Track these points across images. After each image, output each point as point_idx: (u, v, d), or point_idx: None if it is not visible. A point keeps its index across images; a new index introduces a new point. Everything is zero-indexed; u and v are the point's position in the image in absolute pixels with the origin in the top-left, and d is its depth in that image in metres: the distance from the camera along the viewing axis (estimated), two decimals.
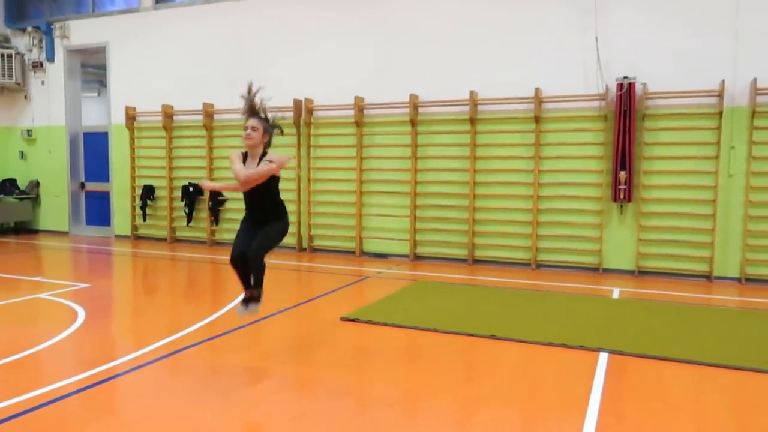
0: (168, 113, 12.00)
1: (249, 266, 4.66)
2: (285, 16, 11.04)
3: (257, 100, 4.76)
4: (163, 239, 12.28)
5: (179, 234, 12.27)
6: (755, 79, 8.11)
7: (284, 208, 4.91)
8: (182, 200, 11.89)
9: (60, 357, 5.03)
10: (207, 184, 5.06)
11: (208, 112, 11.58)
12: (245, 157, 4.68)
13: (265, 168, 4.50)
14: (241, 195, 4.86)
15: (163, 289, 8.21)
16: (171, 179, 12.14)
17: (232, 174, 4.67)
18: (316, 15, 10.79)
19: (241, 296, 4.90)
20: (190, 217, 11.88)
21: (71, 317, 6.11)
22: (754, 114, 8.18)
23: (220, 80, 11.55)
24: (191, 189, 11.79)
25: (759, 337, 5.72)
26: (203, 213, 11.88)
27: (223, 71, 11.55)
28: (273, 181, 4.66)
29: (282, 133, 4.97)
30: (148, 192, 12.31)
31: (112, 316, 6.57)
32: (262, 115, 4.76)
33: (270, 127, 4.75)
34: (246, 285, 4.79)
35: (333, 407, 4.04)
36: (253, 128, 4.57)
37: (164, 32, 12.17)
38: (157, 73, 12.23)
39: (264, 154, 4.69)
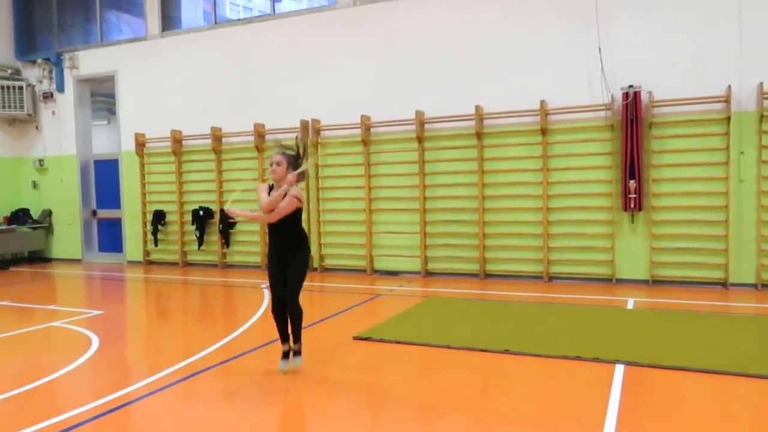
0: (177, 138, 12.12)
1: (289, 314, 4.92)
2: (290, 38, 11.16)
3: (301, 149, 5.05)
4: (175, 263, 12.33)
5: (191, 258, 12.32)
6: (761, 83, 8.08)
7: (305, 236, 5.12)
8: (193, 224, 11.96)
9: (75, 384, 5.04)
10: (233, 210, 5.05)
11: (217, 135, 11.68)
12: (271, 189, 4.87)
13: (286, 204, 4.74)
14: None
15: (175, 314, 8.23)
16: (181, 203, 12.22)
17: (258, 204, 4.88)
18: (320, 36, 10.90)
19: (282, 349, 5.07)
20: (201, 241, 11.94)
21: (86, 344, 6.13)
22: (762, 118, 8.14)
23: (228, 104, 11.68)
24: (201, 213, 11.86)
25: None
26: (214, 236, 11.93)
27: (230, 95, 11.68)
28: (296, 213, 4.86)
29: (304, 178, 5.11)
30: (159, 217, 12.39)
31: (126, 342, 6.59)
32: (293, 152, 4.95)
33: (296, 163, 4.88)
34: (284, 337, 5.00)
35: (349, 426, 4.01)
36: (278, 163, 4.77)
37: (171, 59, 12.34)
38: (166, 99, 12.38)
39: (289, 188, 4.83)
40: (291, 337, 4.99)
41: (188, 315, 8.12)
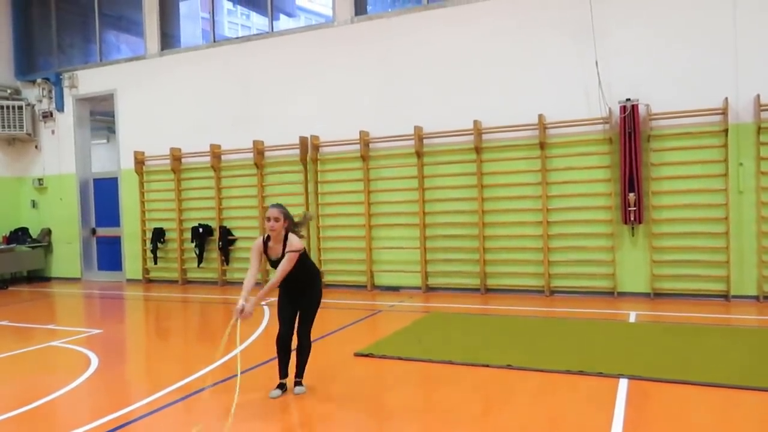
0: (176, 156, 12.13)
1: (299, 348, 4.94)
2: (288, 56, 11.22)
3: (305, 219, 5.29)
4: (175, 281, 12.29)
5: (190, 275, 12.28)
6: (758, 96, 8.11)
7: (316, 270, 5.17)
8: (192, 242, 11.93)
9: (74, 404, 4.99)
10: (249, 310, 4.75)
11: (216, 153, 11.70)
12: (266, 240, 4.84)
13: (286, 263, 4.77)
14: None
15: (175, 332, 8.18)
16: (181, 221, 12.21)
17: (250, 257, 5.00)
18: (319, 53, 10.95)
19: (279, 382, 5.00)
20: (200, 258, 11.91)
21: (85, 364, 6.08)
22: (759, 130, 8.16)
23: (227, 121, 11.71)
24: (201, 230, 11.84)
25: None
26: (214, 253, 11.90)
27: (229, 112, 11.71)
28: (302, 257, 4.85)
29: (301, 232, 5.07)
30: (159, 235, 12.37)
31: (125, 362, 6.54)
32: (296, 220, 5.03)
33: (291, 217, 4.89)
34: (283, 372, 4.95)
35: None
36: (276, 219, 4.73)
37: (170, 77, 12.39)
38: (165, 117, 12.41)
39: (286, 236, 4.78)
40: (295, 371, 4.95)
41: (188, 333, 8.08)
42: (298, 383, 4.94)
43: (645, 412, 4.36)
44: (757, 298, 8.31)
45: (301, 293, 4.90)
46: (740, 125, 8.30)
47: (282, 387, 4.92)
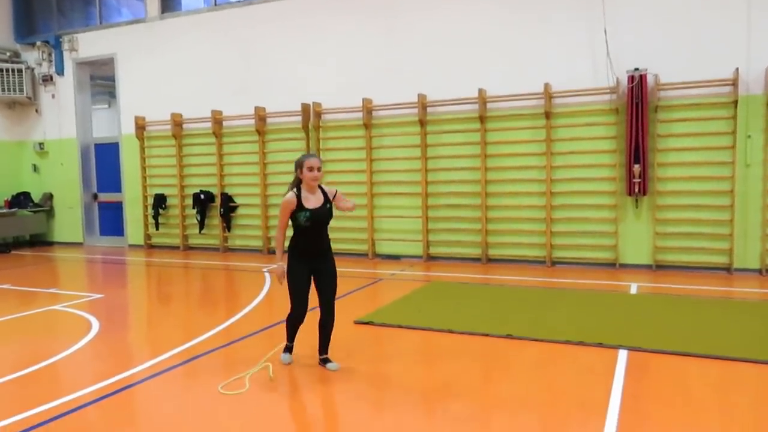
0: (177, 122, 12.02)
1: (330, 322, 4.71)
2: (291, 21, 11.02)
3: None
4: (176, 247, 12.30)
5: (192, 242, 12.29)
6: None
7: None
8: (194, 208, 11.90)
9: (73, 368, 5.01)
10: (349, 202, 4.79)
11: (217, 119, 11.59)
12: (298, 193, 4.50)
13: (351, 203, 4.82)
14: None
15: (176, 298, 8.20)
16: (182, 187, 12.16)
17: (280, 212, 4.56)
18: (321, 18, 10.76)
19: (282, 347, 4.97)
20: (202, 225, 11.89)
21: (86, 328, 6.10)
22: None
23: (228, 87, 11.57)
24: (203, 196, 11.80)
25: None
26: (215, 220, 11.88)
27: (230, 78, 11.57)
28: (329, 216, 4.67)
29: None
30: (160, 201, 12.34)
31: (126, 326, 6.56)
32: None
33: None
34: (292, 336, 4.84)
35: (350, 410, 3.99)
36: (318, 169, 4.52)
37: (171, 41, 12.21)
38: (166, 82, 12.27)
39: (320, 188, 4.61)
40: (322, 347, 4.78)
41: (189, 299, 8.09)
42: (328, 359, 4.75)
43: (644, 383, 4.36)
44: (759, 271, 8.28)
45: (324, 257, 4.64)
46: (750, 97, 8.17)
47: (290, 350, 4.87)
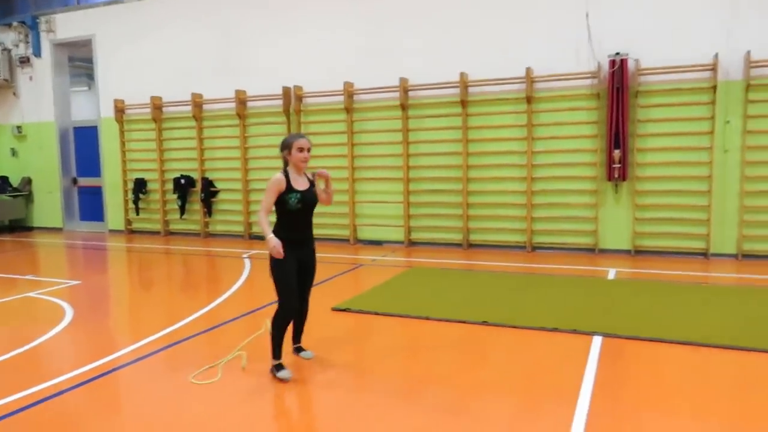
0: (157, 105, 11.86)
1: (305, 312, 4.61)
2: (272, 3, 10.86)
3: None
4: (157, 233, 12.20)
5: (173, 227, 12.19)
6: (749, 52, 7.96)
7: None
8: (174, 193, 11.79)
9: (40, 360, 4.95)
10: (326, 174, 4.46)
11: (197, 102, 11.44)
12: (287, 178, 4.26)
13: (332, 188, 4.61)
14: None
15: (155, 284, 8.14)
16: (163, 172, 12.03)
17: (265, 198, 4.24)
18: (303, 1, 10.60)
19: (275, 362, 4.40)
20: (183, 210, 11.79)
21: (59, 316, 6.04)
22: (748, 87, 8.05)
23: (209, 70, 11.42)
24: (183, 181, 11.69)
25: (756, 316, 5.64)
26: (196, 205, 11.79)
27: (211, 61, 11.41)
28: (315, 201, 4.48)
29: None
30: (140, 185, 12.21)
31: (102, 313, 6.48)
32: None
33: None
34: (279, 352, 4.33)
35: (328, 397, 3.99)
36: (309, 149, 4.33)
37: (150, 23, 11.99)
38: (145, 64, 12.08)
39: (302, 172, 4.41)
40: (295, 337, 4.67)
41: (168, 285, 8.03)
42: (302, 348, 4.69)
43: (617, 369, 4.39)
44: (735, 256, 8.36)
45: (309, 246, 4.45)
46: (729, 82, 8.19)
47: (282, 366, 4.32)
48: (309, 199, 4.33)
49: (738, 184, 8.26)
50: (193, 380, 4.23)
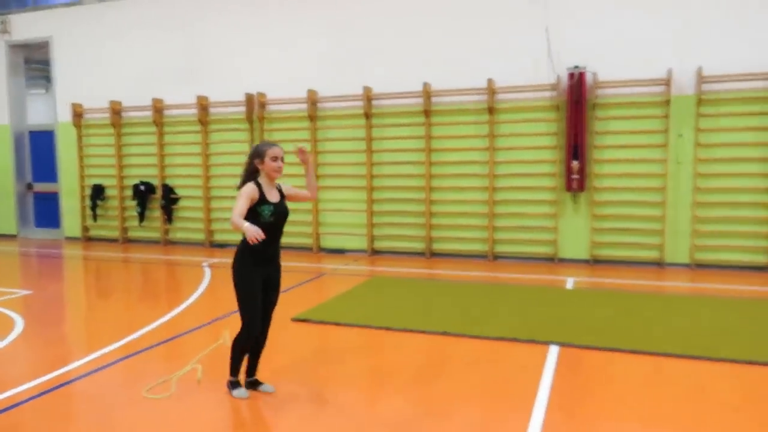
0: (116, 110, 11.64)
1: (263, 340, 4.27)
2: (236, 8, 10.78)
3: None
4: (115, 240, 11.95)
5: (131, 234, 11.95)
6: (700, 68, 8.22)
7: None
8: (133, 199, 11.57)
9: None
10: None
11: (158, 107, 11.27)
12: (259, 188, 4.01)
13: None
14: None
15: (111, 293, 7.96)
16: (121, 178, 11.79)
17: (236, 207, 3.89)
18: (267, 7, 10.56)
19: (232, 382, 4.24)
20: (142, 217, 11.57)
21: (8, 327, 5.85)
22: (700, 102, 8.31)
23: (170, 75, 11.26)
24: (143, 188, 11.47)
25: (709, 325, 5.81)
26: (156, 212, 11.58)
27: (172, 65, 11.25)
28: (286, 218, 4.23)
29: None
30: (98, 192, 11.95)
31: (53, 324, 6.29)
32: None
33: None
34: (239, 370, 4.20)
35: (284, 411, 3.95)
36: (283, 159, 4.11)
37: (110, 25, 11.77)
38: (104, 68, 11.84)
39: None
40: (251, 369, 4.29)
41: (125, 294, 7.86)
42: (259, 381, 4.29)
43: (572, 379, 4.46)
44: (689, 265, 8.59)
45: (276, 264, 4.19)
46: (682, 97, 8.43)
47: (239, 383, 4.21)
48: (282, 212, 4.09)
49: (690, 196, 8.51)
50: (146, 394, 4.14)
